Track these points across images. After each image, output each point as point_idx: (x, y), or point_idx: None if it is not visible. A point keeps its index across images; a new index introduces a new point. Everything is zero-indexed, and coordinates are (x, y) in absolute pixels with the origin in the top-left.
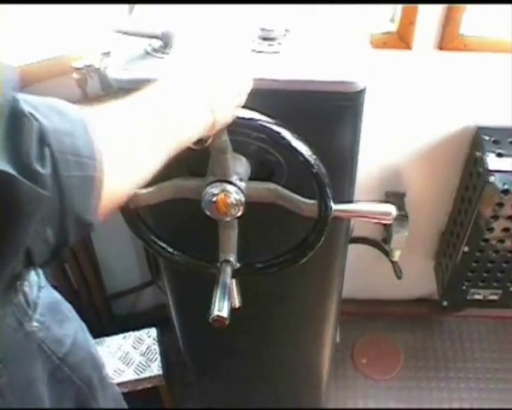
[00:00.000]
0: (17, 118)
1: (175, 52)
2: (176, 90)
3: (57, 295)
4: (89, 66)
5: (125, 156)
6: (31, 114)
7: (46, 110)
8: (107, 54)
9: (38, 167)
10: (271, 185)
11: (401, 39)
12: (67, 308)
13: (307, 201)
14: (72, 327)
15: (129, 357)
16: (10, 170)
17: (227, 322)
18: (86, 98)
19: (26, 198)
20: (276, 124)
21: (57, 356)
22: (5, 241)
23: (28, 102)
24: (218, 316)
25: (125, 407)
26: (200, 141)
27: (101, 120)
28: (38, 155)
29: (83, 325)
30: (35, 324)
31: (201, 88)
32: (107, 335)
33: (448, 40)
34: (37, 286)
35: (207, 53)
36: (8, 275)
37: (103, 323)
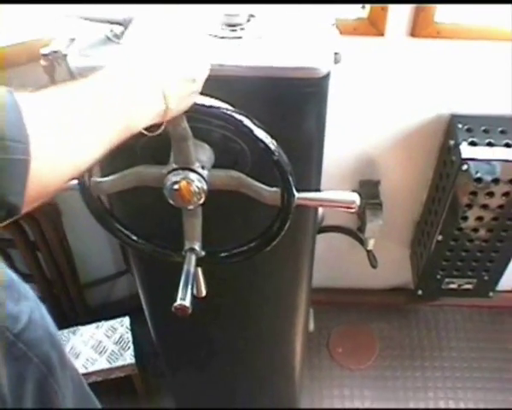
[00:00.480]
0: None
1: (127, 37)
2: (124, 76)
3: (14, 276)
4: (56, 52)
5: (59, 142)
6: None
7: None
8: (73, 40)
9: None
10: (235, 173)
11: (372, 25)
12: (25, 288)
13: (270, 189)
14: (28, 305)
15: (102, 346)
16: None
17: (189, 311)
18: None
19: None
20: (236, 111)
21: (12, 333)
22: None
23: None
24: (180, 305)
25: (87, 391)
26: (153, 127)
27: (37, 104)
28: None
29: (41, 305)
30: None
31: (152, 74)
32: (82, 324)
33: (421, 27)
34: None
35: (160, 37)
36: None
37: (77, 312)
